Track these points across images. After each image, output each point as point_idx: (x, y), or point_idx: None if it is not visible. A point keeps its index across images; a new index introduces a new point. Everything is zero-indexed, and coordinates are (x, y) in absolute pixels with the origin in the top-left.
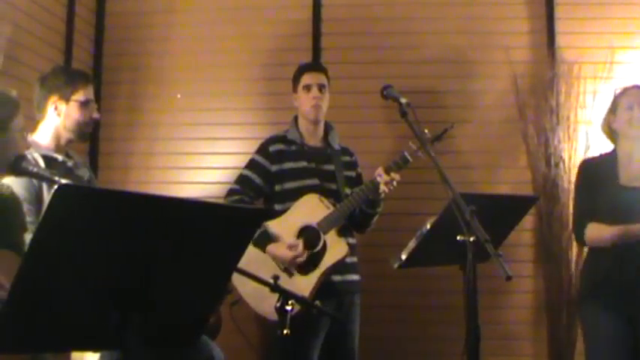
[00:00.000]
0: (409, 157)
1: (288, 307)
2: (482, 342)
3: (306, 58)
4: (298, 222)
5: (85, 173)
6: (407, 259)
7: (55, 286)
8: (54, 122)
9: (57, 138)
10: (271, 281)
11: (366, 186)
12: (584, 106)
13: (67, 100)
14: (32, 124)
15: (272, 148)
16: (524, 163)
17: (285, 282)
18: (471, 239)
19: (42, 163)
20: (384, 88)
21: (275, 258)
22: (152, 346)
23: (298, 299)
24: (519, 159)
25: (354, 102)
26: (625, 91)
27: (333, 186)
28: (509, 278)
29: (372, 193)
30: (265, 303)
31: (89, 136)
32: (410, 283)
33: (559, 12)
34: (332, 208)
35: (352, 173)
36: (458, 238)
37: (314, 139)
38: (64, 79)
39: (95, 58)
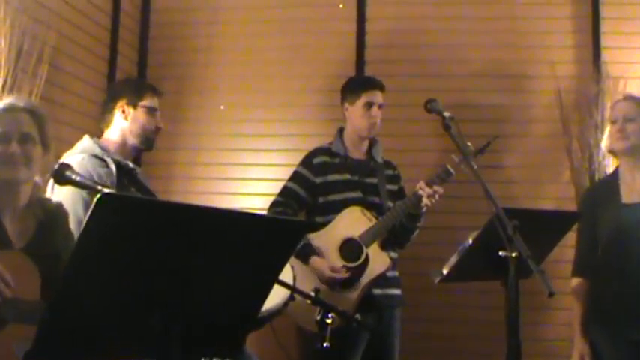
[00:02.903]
0: (452, 171)
1: (329, 320)
2: (523, 358)
3: (350, 70)
4: (341, 234)
5: (147, 184)
6: (448, 273)
7: (96, 295)
8: (121, 126)
9: (123, 143)
10: (312, 294)
11: (408, 199)
12: None
13: (134, 105)
14: (78, 132)
15: (316, 161)
16: (568, 178)
17: (326, 295)
18: (514, 255)
19: (114, 169)
20: (427, 102)
21: (316, 271)
22: (194, 354)
23: (338, 312)
24: (563, 174)
25: (398, 115)
26: (614, 104)
27: (377, 199)
28: (551, 295)
29: (414, 206)
30: (306, 315)
31: (153, 145)
32: (451, 297)
33: (604, 26)
34: (374, 221)
35: (395, 187)
36: (500, 253)
37: (358, 152)
38: (131, 86)
39: (139, 68)
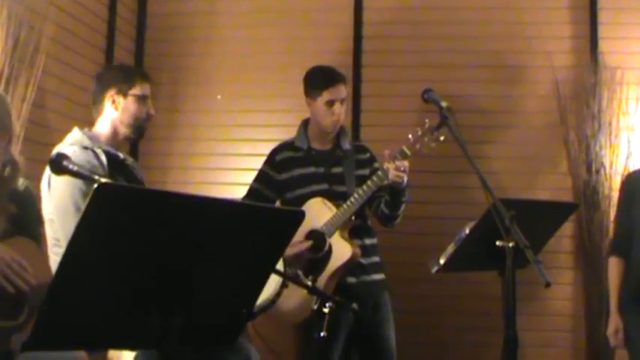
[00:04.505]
0: (407, 151)
1: (326, 310)
2: (520, 349)
3: (348, 60)
4: (305, 227)
5: (139, 173)
6: (445, 263)
7: (93, 286)
8: (111, 116)
9: (114, 133)
10: (309, 284)
11: (377, 177)
12: (627, 112)
13: (124, 94)
14: (74, 122)
15: (278, 157)
16: (565, 169)
17: (292, 287)
18: (511, 245)
19: (104, 159)
20: (424, 92)
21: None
22: (191, 345)
23: (336, 301)
24: (560, 165)
25: (394, 105)
26: None
27: (343, 188)
28: (548, 285)
29: (382, 181)
30: (293, 308)
31: (144, 132)
32: (448, 288)
33: (602, 17)
34: (335, 210)
35: (366, 171)
36: (497, 243)
37: (323, 143)
38: (121, 74)
39: (136, 59)
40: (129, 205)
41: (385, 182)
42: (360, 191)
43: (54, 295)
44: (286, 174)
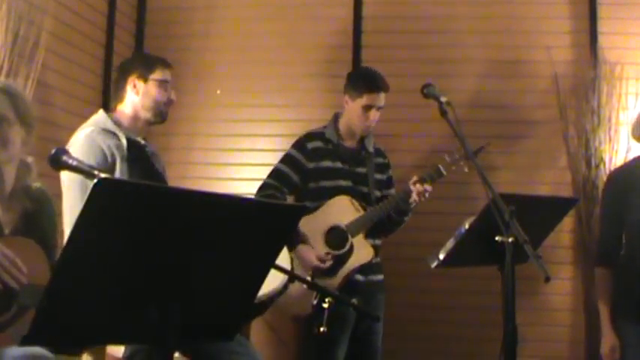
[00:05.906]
0: (444, 171)
1: (325, 305)
2: (520, 344)
3: (347, 55)
4: (327, 222)
5: (159, 161)
6: (444, 258)
7: (92, 281)
8: (132, 101)
9: (135, 118)
10: (309, 279)
11: (398, 194)
12: (626, 107)
13: (145, 79)
14: (74, 117)
15: (310, 145)
16: (565, 164)
17: (295, 282)
18: (510, 240)
19: (124, 142)
20: (424, 87)
21: (302, 260)
22: (190, 341)
23: (336, 297)
24: (559, 160)
25: (393, 100)
26: None
27: (365, 189)
28: (548, 280)
29: (402, 202)
30: (298, 301)
31: (166, 117)
32: (447, 283)
33: (602, 12)
34: (362, 212)
35: (383, 176)
36: (496, 238)
37: (351, 141)
38: (142, 60)
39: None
40: (129, 201)
41: (401, 204)
42: (387, 201)
43: (52, 291)
44: (315, 163)
